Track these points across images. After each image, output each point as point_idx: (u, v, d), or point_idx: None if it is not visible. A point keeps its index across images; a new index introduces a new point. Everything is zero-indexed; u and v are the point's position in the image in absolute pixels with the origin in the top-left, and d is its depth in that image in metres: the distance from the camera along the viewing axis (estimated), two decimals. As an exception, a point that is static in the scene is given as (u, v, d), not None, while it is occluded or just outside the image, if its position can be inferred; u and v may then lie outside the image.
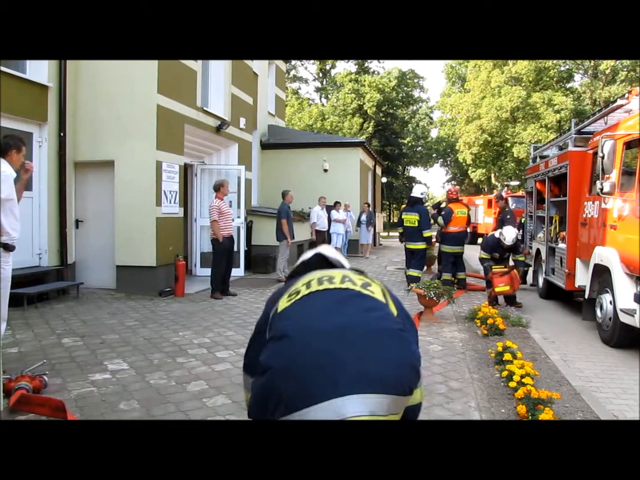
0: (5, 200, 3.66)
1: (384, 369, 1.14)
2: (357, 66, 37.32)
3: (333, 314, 1.21)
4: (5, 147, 3.91)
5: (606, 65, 28.20)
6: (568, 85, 32.03)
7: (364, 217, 14.94)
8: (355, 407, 1.08)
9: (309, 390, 1.10)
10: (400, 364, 1.19)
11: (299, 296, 1.30)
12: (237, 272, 9.47)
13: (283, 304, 1.34)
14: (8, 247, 3.82)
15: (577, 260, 6.71)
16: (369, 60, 35.90)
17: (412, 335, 1.36)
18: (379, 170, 22.34)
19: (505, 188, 28.09)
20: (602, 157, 5.35)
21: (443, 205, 9.81)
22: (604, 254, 5.54)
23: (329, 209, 13.13)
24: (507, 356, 4.17)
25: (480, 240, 16.87)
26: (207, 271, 8.28)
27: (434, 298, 6.16)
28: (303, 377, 1.12)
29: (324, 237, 11.36)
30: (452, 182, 43.78)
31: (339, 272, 1.41)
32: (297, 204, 13.39)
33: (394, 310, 1.33)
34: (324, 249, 1.63)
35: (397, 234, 13.74)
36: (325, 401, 1.08)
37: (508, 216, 9.07)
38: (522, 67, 28.80)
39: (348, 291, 1.29)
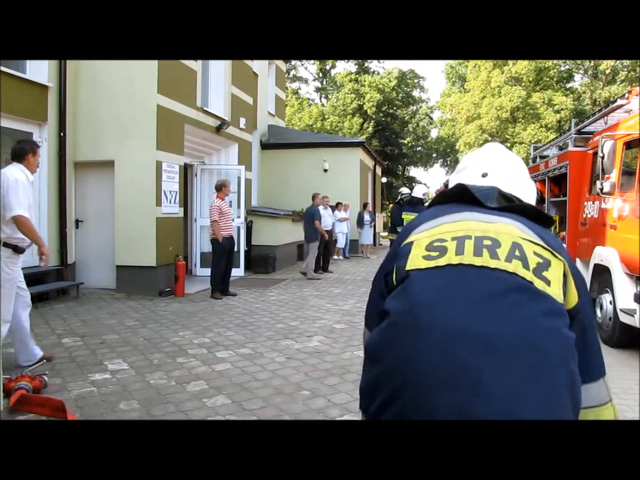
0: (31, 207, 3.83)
1: (542, 413, 0.85)
2: (357, 66, 37.31)
3: (484, 316, 0.89)
4: (21, 151, 3.95)
5: (606, 65, 28.17)
6: (568, 85, 31.99)
7: (367, 217, 14.90)
8: None
9: (430, 413, 0.86)
10: (559, 409, 0.88)
11: (442, 260, 0.97)
12: (237, 272, 9.48)
13: (418, 259, 0.99)
14: (17, 250, 3.85)
15: (577, 260, 6.71)
16: (369, 60, 35.91)
17: (586, 324, 1.01)
18: (379, 170, 22.35)
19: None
20: (602, 157, 5.35)
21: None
22: (604, 254, 5.54)
23: (331, 209, 13.15)
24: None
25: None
26: (207, 271, 8.30)
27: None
28: (430, 389, 0.87)
29: (328, 236, 11.40)
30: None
31: (509, 233, 1.00)
32: (297, 204, 13.42)
33: (569, 298, 0.98)
34: (468, 179, 1.18)
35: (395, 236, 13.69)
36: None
37: None
38: (522, 67, 28.77)
39: (514, 279, 0.93)
